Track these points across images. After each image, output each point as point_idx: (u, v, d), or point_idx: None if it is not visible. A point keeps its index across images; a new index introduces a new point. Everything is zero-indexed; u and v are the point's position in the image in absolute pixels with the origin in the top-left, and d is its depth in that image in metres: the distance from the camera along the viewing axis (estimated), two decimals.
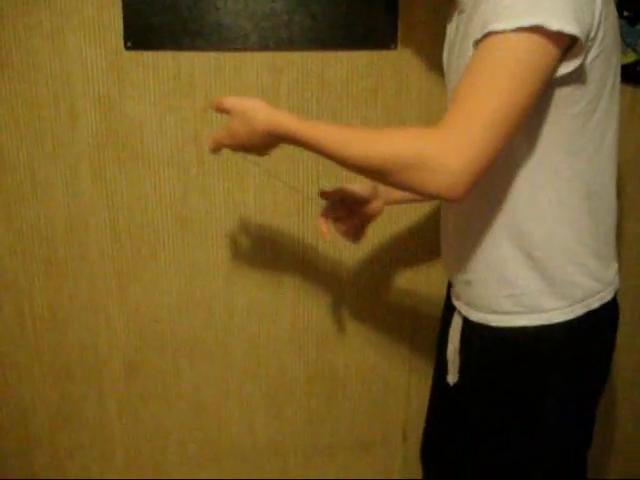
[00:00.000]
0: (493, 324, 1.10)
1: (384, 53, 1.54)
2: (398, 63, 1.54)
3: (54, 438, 1.73)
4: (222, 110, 1.07)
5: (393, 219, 1.66)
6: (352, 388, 1.78)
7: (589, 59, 0.92)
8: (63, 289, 1.61)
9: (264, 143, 1.04)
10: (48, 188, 1.54)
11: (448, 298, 1.31)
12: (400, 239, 1.68)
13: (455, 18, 1.11)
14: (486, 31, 0.87)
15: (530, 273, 1.05)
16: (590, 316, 1.07)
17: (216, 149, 1.13)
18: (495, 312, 1.09)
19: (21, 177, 1.53)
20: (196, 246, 1.61)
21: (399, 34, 1.53)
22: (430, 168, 0.88)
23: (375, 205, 1.31)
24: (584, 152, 1.00)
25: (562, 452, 1.14)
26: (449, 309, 1.27)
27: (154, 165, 1.54)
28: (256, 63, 1.50)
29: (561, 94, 0.95)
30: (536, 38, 0.85)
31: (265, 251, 1.64)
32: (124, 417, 1.72)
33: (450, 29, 1.17)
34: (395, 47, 1.53)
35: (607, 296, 1.09)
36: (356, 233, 1.31)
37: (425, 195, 0.95)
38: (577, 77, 0.94)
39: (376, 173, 0.95)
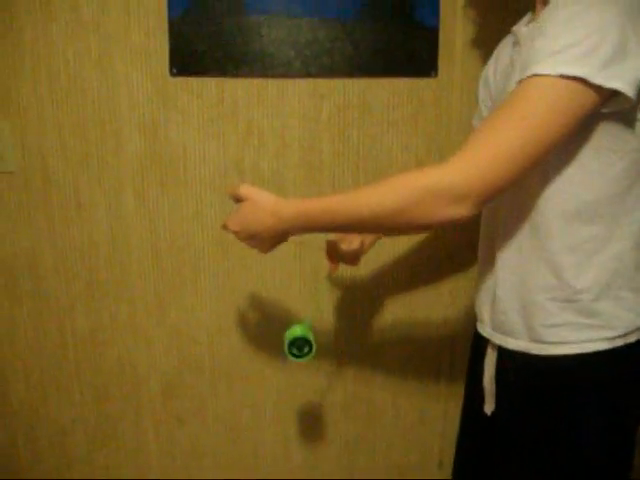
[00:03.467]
0: (533, 352, 1.09)
1: (424, 81, 1.55)
2: (438, 91, 1.55)
3: (91, 457, 1.74)
4: (235, 196, 1.09)
5: (427, 252, 1.66)
6: (388, 414, 1.77)
7: None
8: (104, 310, 1.63)
9: (273, 228, 1.05)
10: (92, 210, 1.57)
11: (477, 329, 1.30)
12: (438, 268, 1.68)
13: (509, 49, 1.12)
14: (529, 73, 0.88)
15: (570, 307, 1.04)
16: (629, 348, 1.06)
17: (224, 229, 1.14)
18: (535, 341, 1.09)
19: (66, 198, 1.56)
20: (236, 270, 1.62)
21: (439, 62, 1.54)
22: (434, 192, 0.90)
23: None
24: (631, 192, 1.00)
25: (608, 473, 1.13)
26: (480, 339, 1.27)
27: (196, 189, 1.56)
28: (298, 89, 1.52)
29: (610, 130, 0.95)
30: (576, 86, 0.86)
31: (303, 275, 1.65)
32: (161, 438, 1.73)
33: (501, 57, 1.18)
34: (435, 75, 1.54)
35: None
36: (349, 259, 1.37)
37: (442, 224, 0.95)
38: (625, 119, 0.94)
39: (390, 222, 0.96)
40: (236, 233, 1.10)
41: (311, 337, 1.29)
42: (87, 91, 1.51)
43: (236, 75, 1.50)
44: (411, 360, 1.73)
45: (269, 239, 1.09)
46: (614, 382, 1.08)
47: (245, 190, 1.07)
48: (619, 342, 1.05)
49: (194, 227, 1.59)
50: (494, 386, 1.21)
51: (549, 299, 1.06)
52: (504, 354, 1.17)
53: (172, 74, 1.50)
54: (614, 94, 0.89)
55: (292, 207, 1.02)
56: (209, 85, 1.51)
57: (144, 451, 1.74)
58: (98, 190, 1.56)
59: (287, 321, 1.65)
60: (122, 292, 1.62)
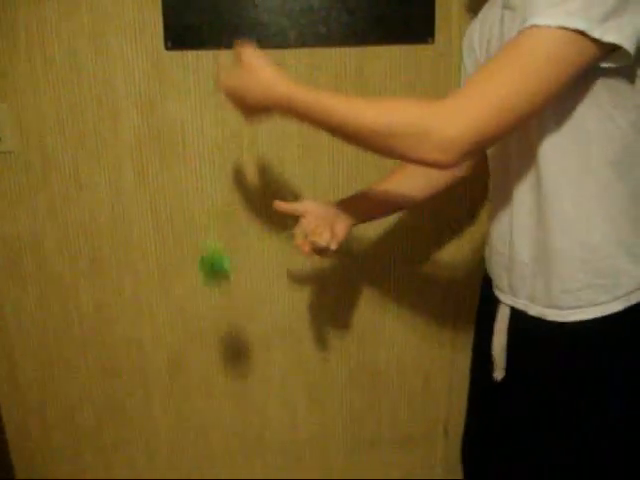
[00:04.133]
0: (549, 318, 1.10)
1: (421, 47, 1.53)
2: (435, 57, 1.54)
3: (100, 433, 1.77)
4: (238, 57, 1.07)
5: (429, 222, 1.66)
6: (393, 384, 1.78)
7: None
8: (108, 286, 1.64)
9: (259, 100, 1.04)
10: (92, 187, 1.57)
11: (486, 294, 1.30)
12: (441, 234, 1.68)
13: (497, 11, 1.10)
14: (528, 24, 0.87)
15: (586, 268, 1.04)
16: None
17: (219, 86, 1.11)
18: (553, 307, 1.09)
19: (66, 177, 1.57)
20: (238, 242, 1.62)
21: (436, 28, 1.52)
22: (422, 132, 0.90)
23: (338, 228, 1.27)
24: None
25: (623, 445, 1.13)
26: (489, 305, 1.27)
27: (195, 163, 1.56)
28: (294, 60, 1.51)
29: (611, 86, 0.95)
30: (575, 37, 0.85)
31: None
32: (168, 412, 1.75)
33: (488, 20, 1.16)
34: (432, 41, 1.53)
35: None
36: (321, 251, 1.25)
37: (414, 162, 0.96)
38: (626, 74, 0.93)
39: (369, 140, 0.96)
40: (225, 89, 1.09)
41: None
42: (82, 69, 1.50)
43: (231, 47, 1.48)
44: (414, 329, 1.74)
45: (253, 107, 1.08)
46: (633, 341, 1.08)
47: (247, 54, 1.06)
48: (633, 300, 1.05)
49: (194, 201, 1.58)
50: (504, 353, 1.22)
51: (565, 261, 1.05)
52: (518, 319, 1.17)
53: (167, 48, 1.49)
54: (613, 48, 0.88)
55: (285, 89, 1.01)
56: (205, 58, 1.50)
57: (152, 425, 1.76)
58: (97, 168, 1.56)
59: (290, 292, 1.67)
60: (125, 269, 1.63)
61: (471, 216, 1.66)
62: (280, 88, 1.02)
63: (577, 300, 1.06)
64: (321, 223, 1.25)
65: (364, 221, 1.34)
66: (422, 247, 1.68)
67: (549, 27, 0.85)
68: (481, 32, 1.19)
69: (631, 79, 0.94)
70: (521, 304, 1.16)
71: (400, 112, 0.93)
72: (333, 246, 1.22)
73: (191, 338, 1.69)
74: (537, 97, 0.89)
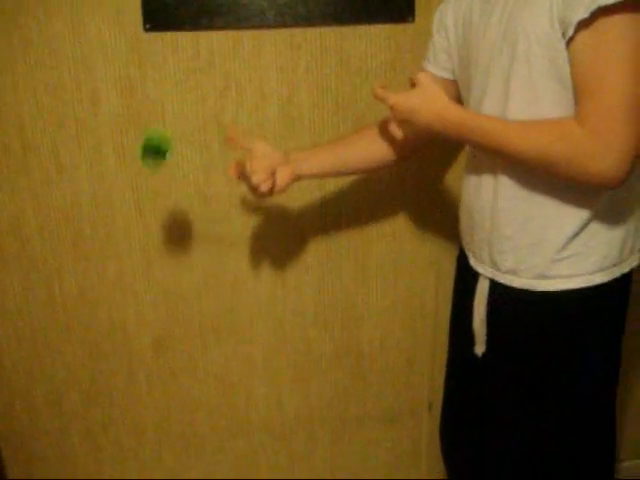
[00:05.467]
0: (539, 289, 1.12)
1: (401, 26, 1.53)
2: (416, 36, 1.53)
3: (87, 414, 1.78)
4: (413, 80, 1.11)
5: (410, 200, 1.67)
6: (377, 362, 1.80)
7: None
8: (91, 269, 1.64)
9: (430, 120, 1.07)
10: (73, 171, 1.57)
11: (463, 269, 1.32)
12: (422, 215, 1.69)
13: None
14: (595, 7, 0.88)
15: (582, 236, 1.07)
16: (623, 277, 1.12)
17: (379, 98, 1.15)
18: (543, 277, 1.11)
19: (46, 161, 1.56)
20: (220, 224, 1.63)
21: (416, 7, 1.52)
22: (591, 171, 0.95)
23: (280, 175, 1.26)
24: None
25: (600, 403, 1.19)
26: (467, 279, 1.28)
27: (176, 145, 1.55)
28: (274, 40, 1.50)
29: None
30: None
31: (288, 227, 1.66)
32: (154, 392, 1.77)
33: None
34: (412, 20, 1.53)
35: (634, 262, 1.14)
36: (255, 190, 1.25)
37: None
38: None
39: (535, 169, 1.03)
40: (394, 106, 1.11)
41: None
42: (60, 51, 1.48)
43: (210, 28, 1.48)
44: (396, 306, 1.76)
45: (416, 126, 1.11)
46: (614, 311, 1.15)
47: (424, 79, 1.09)
48: (617, 272, 1.10)
49: (176, 182, 1.58)
50: (485, 327, 1.24)
51: (558, 231, 1.08)
52: (498, 292, 1.19)
53: (146, 29, 1.48)
54: None
55: (457, 116, 1.06)
56: (184, 39, 1.49)
57: (138, 406, 1.78)
58: (78, 151, 1.55)
59: (273, 271, 1.68)
60: (108, 251, 1.63)
61: (454, 192, 1.67)
62: (452, 113, 1.06)
63: (566, 269, 1.09)
64: (263, 163, 1.24)
65: (312, 176, 1.35)
66: (405, 223, 1.69)
67: (617, 3, 0.87)
68: (455, 9, 1.20)
69: None
70: (503, 277, 1.17)
71: (555, 153, 0.97)
72: (263, 188, 1.22)
73: (175, 319, 1.70)
74: None
